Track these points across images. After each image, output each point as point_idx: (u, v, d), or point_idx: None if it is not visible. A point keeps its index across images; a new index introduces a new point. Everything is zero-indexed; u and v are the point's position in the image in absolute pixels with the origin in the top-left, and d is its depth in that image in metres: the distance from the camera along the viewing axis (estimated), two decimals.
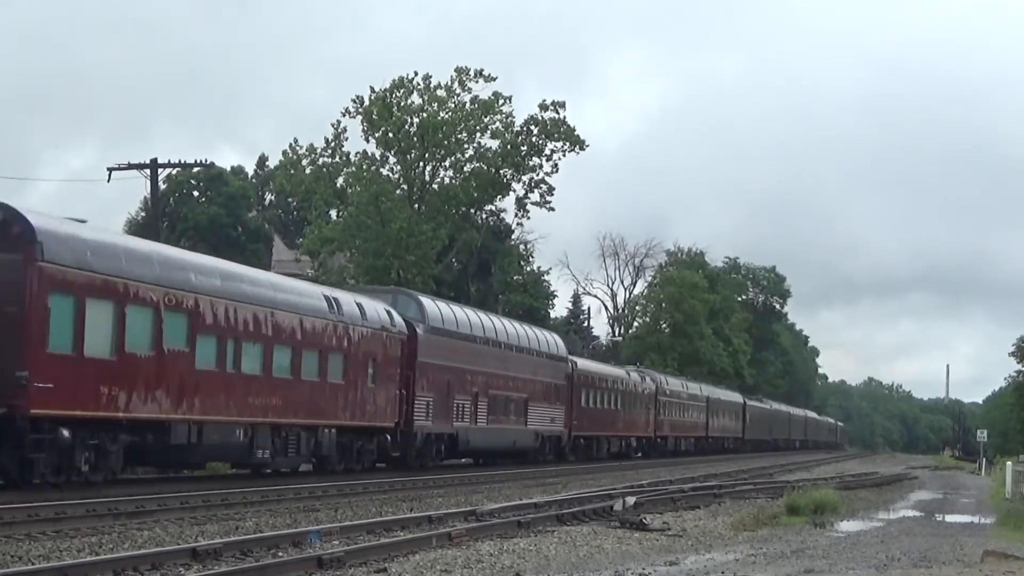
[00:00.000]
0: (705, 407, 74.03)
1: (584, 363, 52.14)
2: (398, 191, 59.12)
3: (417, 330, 33.71)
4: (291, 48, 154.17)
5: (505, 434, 40.42)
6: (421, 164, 59.37)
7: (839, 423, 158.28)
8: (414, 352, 33.20)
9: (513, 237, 73.07)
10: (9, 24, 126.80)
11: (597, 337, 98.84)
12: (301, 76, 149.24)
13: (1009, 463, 40.51)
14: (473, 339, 37.97)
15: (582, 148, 61.16)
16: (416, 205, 59.10)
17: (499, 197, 62.87)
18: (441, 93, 58.24)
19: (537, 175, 61.34)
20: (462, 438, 36.50)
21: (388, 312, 32.40)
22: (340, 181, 59.36)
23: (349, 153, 59.11)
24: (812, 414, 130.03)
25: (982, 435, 79.21)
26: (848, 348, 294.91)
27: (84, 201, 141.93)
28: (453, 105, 58.57)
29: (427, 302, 36.35)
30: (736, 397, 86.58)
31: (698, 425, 72.67)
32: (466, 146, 59.87)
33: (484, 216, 67.29)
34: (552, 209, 62.39)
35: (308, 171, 58.74)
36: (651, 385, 61.80)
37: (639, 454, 60.05)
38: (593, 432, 51.16)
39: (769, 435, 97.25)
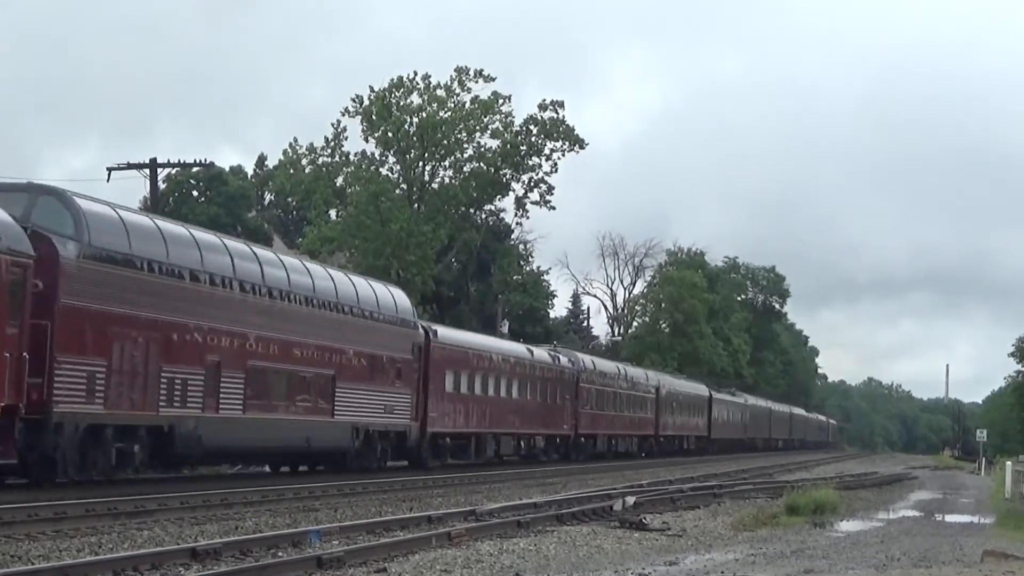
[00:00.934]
0: (655, 399, 61.88)
1: (448, 332, 39.40)
2: (398, 191, 59.13)
3: (58, 251, 20.67)
4: (291, 48, 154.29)
5: (285, 428, 27.33)
6: (421, 164, 59.36)
7: (831, 420, 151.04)
8: (54, 287, 20.38)
9: (513, 237, 73.18)
10: (10, 24, 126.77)
11: (597, 337, 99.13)
12: (301, 76, 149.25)
13: (1009, 463, 40.47)
14: (209, 278, 24.87)
15: (581, 147, 61.14)
16: (416, 205, 59.08)
17: (499, 197, 62.86)
18: (440, 93, 58.24)
19: (537, 175, 61.32)
20: (183, 433, 23.65)
21: None
22: (340, 181, 59.37)
23: (349, 153, 59.16)
24: (799, 410, 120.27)
25: (982, 435, 79.18)
26: (848, 348, 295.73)
27: None
28: (453, 105, 58.57)
29: (93, 209, 22.13)
30: (699, 389, 74.91)
31: (644, 421, 60.16)
32: (466, 146, 59.88)
33: (484, 216, 67.32)
34: (552, 208, 62.38)
35: (308, 171, 58.75)
36: (569, 367, 49.15)
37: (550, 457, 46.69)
38: (468, 428, 38.53)
39: (744, 434, 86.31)
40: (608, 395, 54.10)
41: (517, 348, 45.71)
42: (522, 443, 43.69)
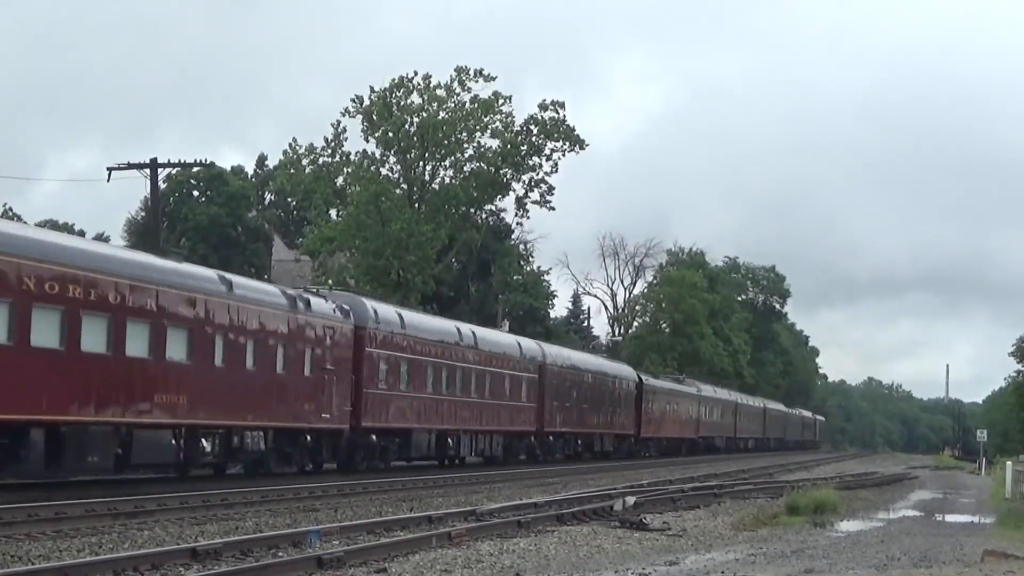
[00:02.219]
0: (537, 381, 44.03)
1: (40, 235, 22.09)
2: (398, 191, 59.15)
3: None
4: (292, 48, 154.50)
5: None
6: (421, 164, 59.40)
7: (818, 417, 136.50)
8: None
9: (513, 237, 73.28)
10: (12, 24, 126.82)
11: (597, 337, 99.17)
12: (301, 76, 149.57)
13: (1009, 463, 40.44)
14: None
15: (582, 147, 61.15)
16: (416, 205, 59.11)
17: (499, 197, 62.89)
18: (441, 93, 58.26)
19: (537, 175, 61.35)
20: None
21: None
22: (340, 181, 59.41)
23: (349, 153, 59.21)
24: (776, 405, 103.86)
25: (982, 435, 79.15)
26: (848, 348, 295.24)
27: (85, 201, 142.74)
28: (453, 105, 58.58)
29: None
30: (621, 371, 57.15)
31: (517, 412, 42.22)
32: (466, 146, 59.90)
33: (484, 216, 67.34)
34: (552, 209, 62.41)
35: (308, 171, 58.79)
36: (337, 318, 30.39)
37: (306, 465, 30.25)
38: (58, 414, 20.45)
39: (696, 432, 68.70)
40: (430, 368, 35.62)
41: (196, 270, 26.28)
42: (218, 441, 25.66)
